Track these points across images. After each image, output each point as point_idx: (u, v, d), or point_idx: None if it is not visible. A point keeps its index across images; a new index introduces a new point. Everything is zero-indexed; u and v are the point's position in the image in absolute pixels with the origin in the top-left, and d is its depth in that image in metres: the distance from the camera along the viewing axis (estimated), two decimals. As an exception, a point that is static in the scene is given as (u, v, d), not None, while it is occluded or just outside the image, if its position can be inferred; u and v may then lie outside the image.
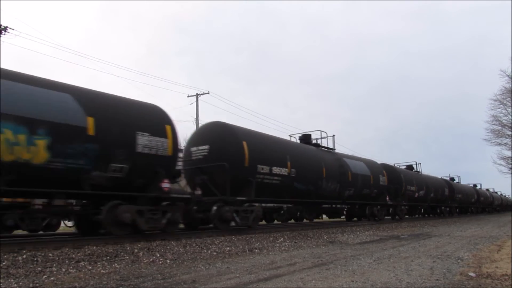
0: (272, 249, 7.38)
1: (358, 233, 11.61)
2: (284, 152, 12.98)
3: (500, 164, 32.18)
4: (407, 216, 24.21)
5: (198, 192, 10.62)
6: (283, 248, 7.66)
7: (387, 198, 19.46)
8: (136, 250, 6.63)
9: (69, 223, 8.41)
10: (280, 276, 4.52)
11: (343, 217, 21.11)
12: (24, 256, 5.70)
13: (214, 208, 10.31)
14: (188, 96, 33.38)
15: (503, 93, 27.79)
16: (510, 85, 27.00)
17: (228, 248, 7.38)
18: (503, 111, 28.63)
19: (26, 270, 4.79)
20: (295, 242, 8.70)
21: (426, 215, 29.21)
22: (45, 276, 4.50)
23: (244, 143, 11.19)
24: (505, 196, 61.51)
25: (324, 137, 16.96)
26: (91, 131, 7.61)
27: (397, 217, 21.26)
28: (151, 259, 5.85)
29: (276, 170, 12.18)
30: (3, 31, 19.05)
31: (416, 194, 23.45)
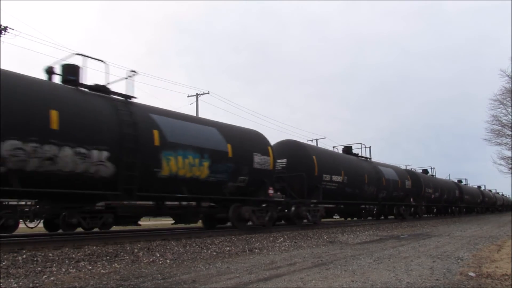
0: (272, 249, 7.38)
1: (358, 233, 11.61)
2: (339, 163, 16.88)
3: (500, 164, 32.17)
4: (425, 215, 27.41)
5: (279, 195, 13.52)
6: (283, 248, 7.66)
7: (411, 200, 23.64)
8: (136, 250, 6.63)
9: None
10: (280, 276, 4.52)
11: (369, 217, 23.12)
12: (24, 256, 5.70)
13: (293, 208, 13.89)
14: (188, 96, 33.36)
15: (503, 93, 27.74)
16: (510, 85, 26.97)
17: (228, 248, 7.38)
18: (503, 111, 28.58)
19: (26, 270, 4.79)
20: (295, 242, 8.70)
21: (438, 215, 31.93)
22: (45, 276, 4.50)
23: (314, 157, 14.83)
24: (506, 196, 62.63)
25: (362, 147, 21.33)
26: (230, 154, 10.89)
27: (417, 215, 24.86)
28: (151, 259, 5.85)
29: (334, 178, 15.91)
30: (3, 31, 19.04)
31: (432, 196, 27.37)
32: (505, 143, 29.30)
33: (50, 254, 5.95)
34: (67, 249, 6.62)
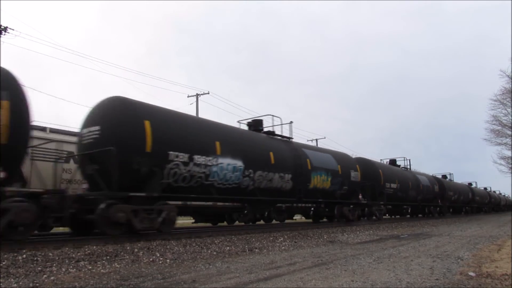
0: (272, 249, 7.38)
1: (358, 232, 11.62)
2: (394, 174, 21.84)
3: (500, 164, 32.27)
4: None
5: (362, 199, 18.70)
6: (283, 247, 7.66)
7: (439, 201, 27.90)
8: (136, 250, 6.63)
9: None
10: (280, 275, 4.52)
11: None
12: (24, 255, 5.70)
13: (366, 208, 19.15)
14: (188, 96, 33.38)
15: (503, 93, 27.77)
16: (510, 85, 26.98)
17: (228, 247, 7.38)
18: (503, 111, 28.62)
19: (26, 269, 4.79)
20: (295, 242, 8.70)
21: (455, 213, 33.99)
22: (45, 275, 4.50)
23: (380, 171, 20.39)
24: (506, 196, 64.85)
25: (406, 160, 25.76)
26: (340, 172, 16.14)
27: (441, 214, 28.96)
28: (151, 259, 5.85)
29: (392, 185, 20.85)
30: (3, 31, 19.03)
31: (452, 198, 31.23)
32: (505, 143, 29.36)
33: (50, 254, 5.95)
34: (67, 249, 6.62)
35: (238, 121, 14.96)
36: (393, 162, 24.60)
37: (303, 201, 14.67)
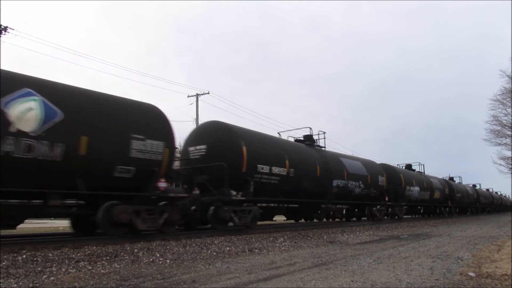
0: (272, 249, 7.38)
1: (358, 233, 11.61)
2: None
3: (500, 164, 32.23)
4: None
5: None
6: (283, 248, 7.66)
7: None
8: (136, 250, 6.63)
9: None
10: (280, 276, 4.52)
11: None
12: (24, 256, 5.69)
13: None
14: (188, 96, 33.35)
15: (503, 93, 27.74)
16: (510, 85, 26.97)
17: (228, 248, 7.38)
18: (503, 111, 28.58)
19: (26, 270, 4.79)
20: (295, 242, 8.70)
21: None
22: (45, 276, 4.50)
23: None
24: (506, 196, 65.40)
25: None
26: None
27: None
28: (151, 259, 5.85)
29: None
30: (3, 31, 19.04)
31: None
32: (505, 143, 29.33)
33: (50, 254, 5.95)
34: (67, 249, 6.62)
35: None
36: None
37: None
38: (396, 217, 21.58)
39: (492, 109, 28.93)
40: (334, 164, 15.82)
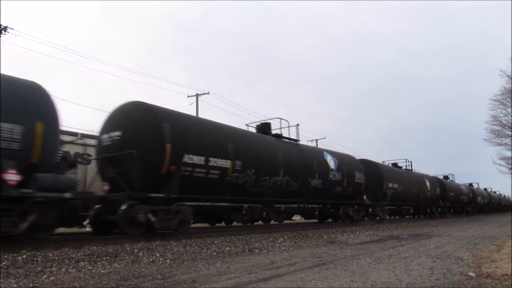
0: (272, 249, 7.38)
1: (358, 233, 11.61)
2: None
3: (500, 164, 32.25)
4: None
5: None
6: (283, 248, 7.66)
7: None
8: (136, 250, 6.63)
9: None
10: (280, 276, 4.52)
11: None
12: (24, 256, 5.69)
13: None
14: (188, 96, 33.34)
15: (503, 93, 27.76)
16: (510, 85, 26.98)
17: (228, 248, 7.38)
18: (503, 111, 28.60)
19: (26, 270, 4.79)
20: (295, 242, 8.69)
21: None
22: (45, 276, 4.50)
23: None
24: (506, 196, 65.77)
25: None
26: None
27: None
28: (151, 259, 5.85)
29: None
30: (3, 31, 19.04)
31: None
32: (505, 144, 29.34)
33: (50, 254, 5.95)
34: (67, 249, 6.62)
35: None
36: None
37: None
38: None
39: (492, 109, 28.97)
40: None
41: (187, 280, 4.28)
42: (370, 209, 19.48)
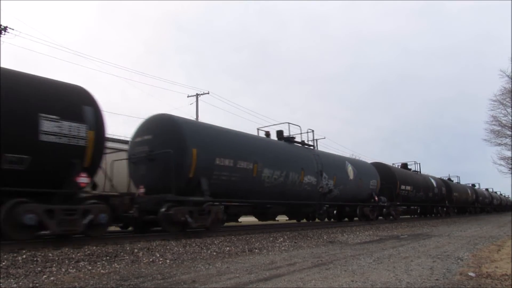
0: (272, 249, 7.38)
1: (357, 233, 11.61)
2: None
3: (500, 164, 32.30)
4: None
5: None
6: (283, 248, 7.66)
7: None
8: (136, 250, 6.63)
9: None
10: (280, 276, 4.52)
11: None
12: (24, 256, 5.69)
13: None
14: (188, 96, 33.37)
15: (502, 94, 27.79)
16: (510, 85, 27.00)
17: (228, 248, 7.38)
18: (503, 111, 28.63)
19: (26, 270, 4.79)
20: (295, 242, 8.70)
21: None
22: (45, 276, 4.50)
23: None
24: (506, 196, 65.92)
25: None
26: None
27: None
28: (151, 259, 5.85)
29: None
30: (3, 31, 19.04)
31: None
32: (505, 144, 29.37)
33: (50, 254, 5.95)
34: (67, 249, 6.62)
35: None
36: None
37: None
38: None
39: (492, 110, 28.99)
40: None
41: (187, 280, 4.28)
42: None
